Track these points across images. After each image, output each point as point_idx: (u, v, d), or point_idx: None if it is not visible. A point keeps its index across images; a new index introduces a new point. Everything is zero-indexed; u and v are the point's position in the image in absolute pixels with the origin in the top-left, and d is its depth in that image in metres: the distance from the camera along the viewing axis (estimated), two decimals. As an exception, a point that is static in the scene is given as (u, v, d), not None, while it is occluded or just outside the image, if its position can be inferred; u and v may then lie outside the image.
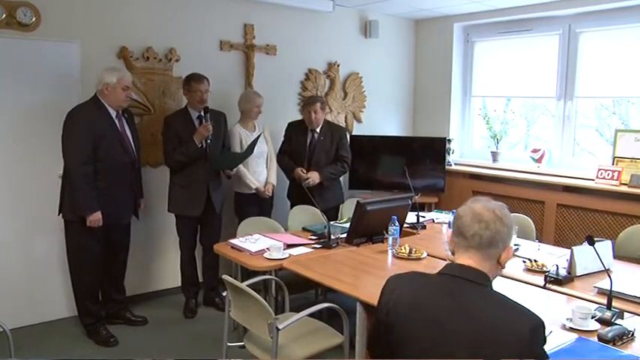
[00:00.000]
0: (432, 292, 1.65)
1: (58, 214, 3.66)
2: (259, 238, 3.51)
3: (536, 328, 1.50)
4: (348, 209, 4.28)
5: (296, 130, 4.61)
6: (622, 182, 4.44)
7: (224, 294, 2.90)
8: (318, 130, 4.53)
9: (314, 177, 4.41)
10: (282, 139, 4.69)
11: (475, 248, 1.65)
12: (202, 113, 4.08)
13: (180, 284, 4.34)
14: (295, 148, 4.54)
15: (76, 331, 3.82)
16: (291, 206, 4.45)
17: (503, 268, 1.72)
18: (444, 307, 1.59)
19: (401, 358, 1.65)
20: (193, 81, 4.04)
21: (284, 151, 4.62)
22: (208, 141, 4.05)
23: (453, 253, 1.74)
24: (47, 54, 3.80)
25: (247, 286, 2.62)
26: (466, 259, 1.66)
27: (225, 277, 2.74)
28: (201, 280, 4.37)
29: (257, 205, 4.44)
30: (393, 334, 1.69)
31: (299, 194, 4.37)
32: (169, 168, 4.13)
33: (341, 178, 4.85)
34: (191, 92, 4.04)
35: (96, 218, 3.52)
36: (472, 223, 1.65)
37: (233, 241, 3.48)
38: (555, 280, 2.69)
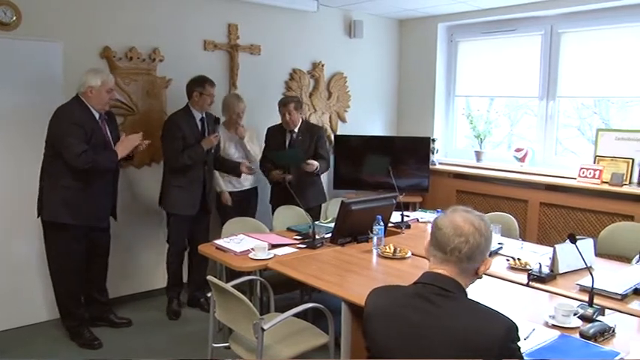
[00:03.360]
0: (407, 303, 1.64)
1: (37, 217, 3.60)
2: (244, 238, 3.49)
3: (509, 329, 1.52)
4: (332, 209, 4.28)
5: (275, 133, 4.60)
6: (603, 181, 4.50)
7: (209, 295, 2.89)
8: (296, 130, 4.52)
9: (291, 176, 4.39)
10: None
11: (453, 262, 1.64)
12: (204, 119, 4.09)
13: (163, 285, 4.29)
14: (274, 149, 4.52)
15: (59, 334, 3.78)
16: (273, 209, 4.39)
17: (480, 278, 1.72)
18: (418, 319, 1.59)
19: None
20: (208, 84, 4.03)
21: (265, 155, 4.58)
22: (213, 150, 4.13)
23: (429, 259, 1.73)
24: (29, 54, 3.75)
25: (232, 286, 2.61)
26: (441, 269, 1.66)
27: (210, 277, 2.73)
28: (185, 280, 4.34)
29: (240, 204, 4.44)
30: (371, 345, 1.71)
31: (280, 196, 4.36)
32: (172, 169, 4.04)
33: (323, 178, 4.84)
34: (204, 95, 4.02)
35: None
36: (452, 237, 1.62)
37: (217, 241, 3.46)
38: (538, 278, 2.72)
